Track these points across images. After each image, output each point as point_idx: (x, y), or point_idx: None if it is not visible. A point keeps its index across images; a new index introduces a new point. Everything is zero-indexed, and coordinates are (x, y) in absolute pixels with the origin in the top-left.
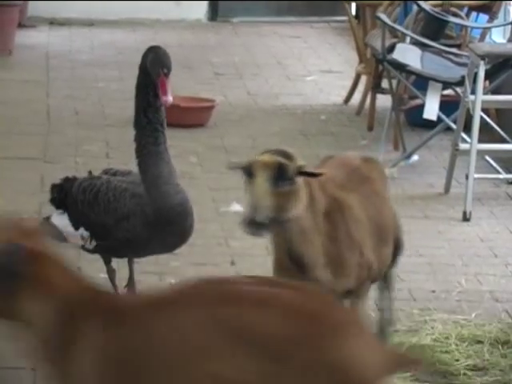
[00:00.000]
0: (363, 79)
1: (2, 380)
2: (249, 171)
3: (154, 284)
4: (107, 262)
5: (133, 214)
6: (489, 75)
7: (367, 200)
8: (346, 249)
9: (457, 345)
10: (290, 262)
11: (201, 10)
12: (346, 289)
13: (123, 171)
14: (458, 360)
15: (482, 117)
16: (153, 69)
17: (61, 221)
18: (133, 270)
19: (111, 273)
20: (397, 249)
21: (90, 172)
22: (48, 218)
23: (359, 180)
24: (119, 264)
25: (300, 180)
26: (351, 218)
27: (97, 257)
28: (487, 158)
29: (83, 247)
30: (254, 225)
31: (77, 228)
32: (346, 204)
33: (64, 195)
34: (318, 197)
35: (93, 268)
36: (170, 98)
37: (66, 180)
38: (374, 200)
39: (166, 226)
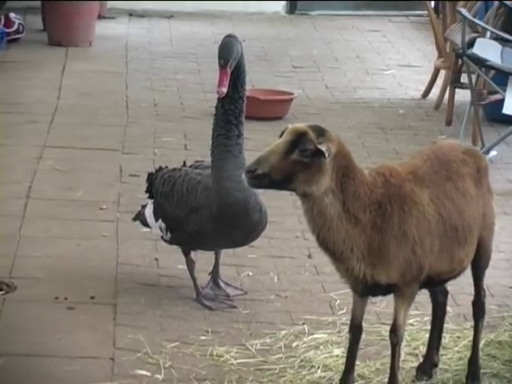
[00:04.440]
0: (442, 74)
1: (82, 369)
2: (281, 134)
3: (232, 276)
4: (186, 254)
5: (202, 207)
6: None
7: (447, 198)
8: (394, 241)
9: None
10: (318, 245)
11: (279, 3)
12: (388, 281)
13: (207, 164)
14: None
15: None
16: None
17: (148, 210)
18: (219, 260)
19: (190, 264)
20: (480, 253)
21: (183, 162)
22: (144, 207)
23: (447, 175)
24: (197, 256)
25: (323, 161)
26: (411, 214)
27: (176, 248)
28: None
29: (162, 238)
30: (249, 175)
31: (156, 219)
32: (411, 199)
33: (150, 185)
34: (360, 189)
35: (171, 259)
36: (222, 90)
37: (157, 170)
38: (456, 198)
39: (229, 222)
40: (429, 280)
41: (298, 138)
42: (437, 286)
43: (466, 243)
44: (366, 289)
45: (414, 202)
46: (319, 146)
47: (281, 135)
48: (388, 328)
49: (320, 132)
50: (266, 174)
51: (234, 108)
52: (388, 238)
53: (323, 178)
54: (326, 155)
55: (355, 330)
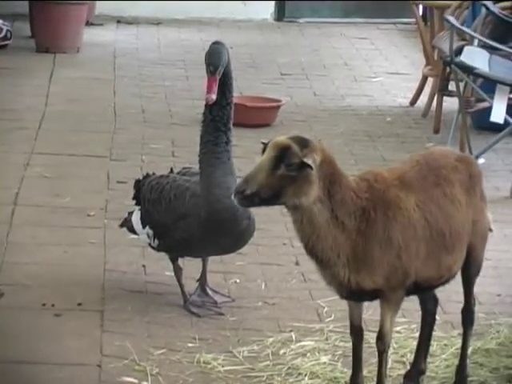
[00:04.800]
0: (430, 81)
1: (69, 375)
2: (263, 149)
3: (219, 283)
4: (173, 260)
5: (190, 214)
6: None
7: (434, 204)
8: (378, 246)
9: None
10: (306, 253)
11: (267, 10)
12: (373, 287)
13: (194, 171)
14: None
15: None
16: (206, 67)
17: (135, 217)
18: (206, 267)
19: (177, 271)
20: (471, 260)
21: (171, 169)
22: (131, 213)
23: (435, 181)
24: (184, 263)
25: (310, 173)
26: (396, 220)
27: (163, 255)
28: None
29: (150, 245)
30: (239, 196)
31: (144, 226)
32: (395, 204)
33: (138, 192)
34: (346, 195)
35: (158, 266)
36: (212, 96)
37: (145, 176)
38: (443, 205)
39: (218, 228)
40: (416, 286)
41: (283, 153)
42: (425, 292)
43: (453, 250)
44: (350, 294)
45: (399, 207)
46: (304, 160)
47: (263, 150)
48: (375, 335)
49: (303, 143)
50: (255, 193)
51: (222, 114)
52: (372, 244)
53: (312, 189)
54: (313, 167)
55: (356, 331)
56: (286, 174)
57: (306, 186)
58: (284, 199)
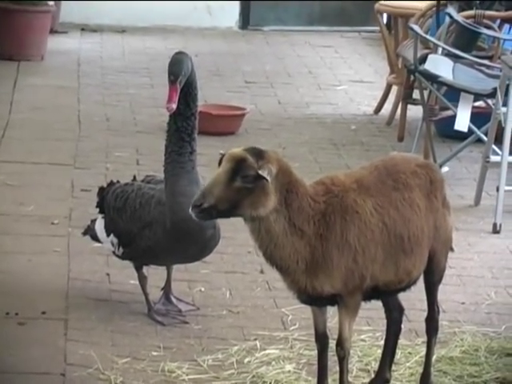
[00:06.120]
0: (394, 89)
1: None
2: (219, 162)
3: (184, 291)
4: (138, 269)
5: (155, 222)
6: None
7: (392, 207)
8: (336, 250)
9: (486, 357)
10: (265, 260)
11: (232, 19)
12: (332, 291)
13: (159, 179)
14: (487, 373)
15: None
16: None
17: (99, 225)
18: (171, 275)
19: (142, 279)
20: (433, 267)
21: (134, 177)
22: (94, 221)
23: (393, 186)
24: (149, 271)
25: (266, 184)
26: (353, 223)
27: (127, 263)
28: None
29: (114, 253)
30: (197, 209)
31: (108, 234)
32: (352, 208)
33: (102, 200)
34: (303, 202)
35: (123, 275)
36: (172, 106)
37: (109, 184)
38: (402, 208)
39: (183, 237)
40: (376, 290)
41: (238, 165)
42: (386, 297)
43: (412, 253)
44: (310, 299)
45: (356, 211)
46: (260, 172)
47: (219, 162)
48: None
49: (259, 155)
50: (213, 206)
51: (186, 125)
52: (330, 247)
53: (269, 199)
54: (268, 178)
55: (321, 339)
56: (243, 186)
57: (262, 197)
58: (241, 211)
